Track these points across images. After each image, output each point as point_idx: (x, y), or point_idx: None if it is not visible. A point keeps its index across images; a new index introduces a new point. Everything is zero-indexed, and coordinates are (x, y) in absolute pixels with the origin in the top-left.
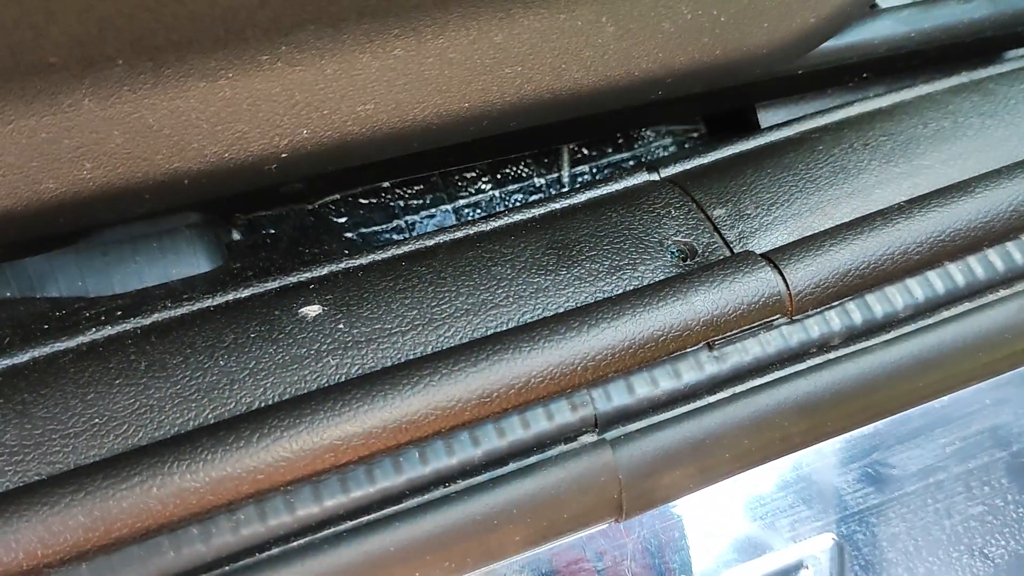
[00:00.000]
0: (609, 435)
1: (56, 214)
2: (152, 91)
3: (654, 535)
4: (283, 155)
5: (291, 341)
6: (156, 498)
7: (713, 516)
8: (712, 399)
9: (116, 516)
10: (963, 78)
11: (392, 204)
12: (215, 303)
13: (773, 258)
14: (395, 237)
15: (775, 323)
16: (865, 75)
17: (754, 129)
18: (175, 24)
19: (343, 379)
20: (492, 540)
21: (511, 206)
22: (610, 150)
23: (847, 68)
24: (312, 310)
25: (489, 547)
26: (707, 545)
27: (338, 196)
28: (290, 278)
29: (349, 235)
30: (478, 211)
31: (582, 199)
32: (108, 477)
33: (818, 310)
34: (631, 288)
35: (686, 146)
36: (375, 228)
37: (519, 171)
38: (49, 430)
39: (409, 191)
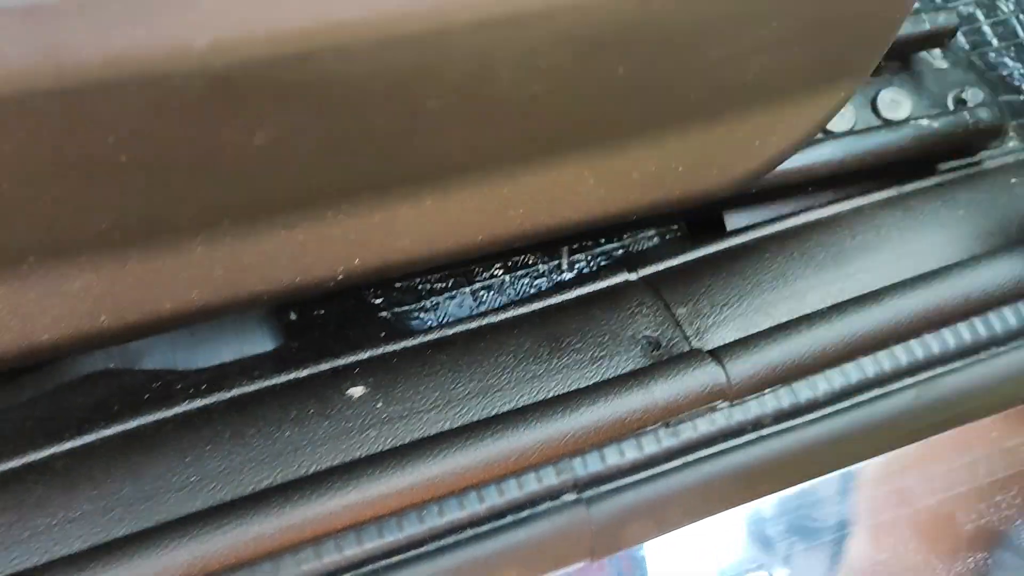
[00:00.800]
0: (585, 495)
1: (169, 323)
2: (246, 239)
3: (619, 571)
4: (340, 276)
5: (340, 416)
6: (241, 542)
7: (667, 557)
8: (668, 466)
9: (212, 555)
10: (893, 191)
11: (419, 288)
12: (280, 381)
13: (718, 355)
14: (422, 315)
15: (718, 407)
16: (811, 188)
17: (722, 230)
18: (269, 197)
19: (381, 449)
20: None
21: (521, 294)
22: (603, 241)
23: (794, 186)
24: (357, 391)
25: None
26: None
27: None
28: (339, 360)
29: (384, 314)
30: (491, 292)
31: (572, 296)
32: (206, 526)
33: (753, 396)
34: (607, 376)
35: (667, 237)
36: (405, 308)
37: (526, 259)
38: (157, 486)
39: (434, 277)
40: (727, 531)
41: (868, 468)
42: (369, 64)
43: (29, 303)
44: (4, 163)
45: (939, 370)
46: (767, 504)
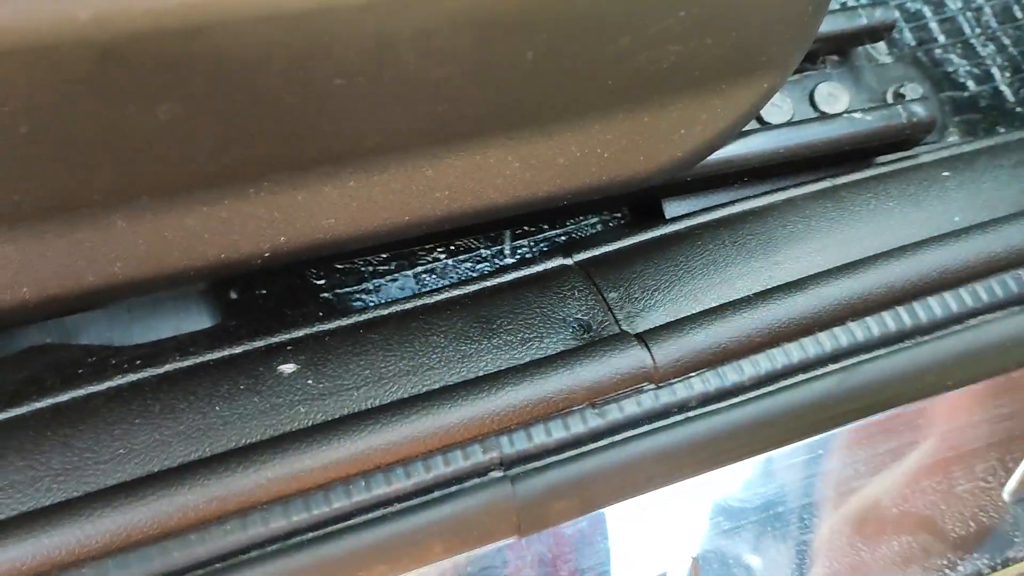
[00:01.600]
0: (511, 472)
1: (94, 298)
2: (167, 214)
3: (547, 549)
4: (266, 254)
5: (271, 392)
6: (165, 512)
7: (591, 538)
8: (593, 446)
9: (136, 524)
10: (825, 183)
11: (362, 269)
12: (214, 357)
13: (645, 338)
14: (364, 297)
15: (644, 389)
16: (746, 178)
17: (661, 218)
18: (186, 174)
19: (309, 424)
20: (418, 550)
21: (463, 278)
22: (546, 227)
23: (729, 175)
24: (288, 368)
25: (416, 555)
26: (585, 561)
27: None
28: (273, 338)
29: (326, 295)
30: (434, 276)
31: (507, 279)
32: (130, 496)
33: (679, 379)
34: (536, 358)
35: (610, 224)
36: (348, 289)
37: (469, 244)
38: (86, 458)
39: (376, 259)
40: (649, 510)
41: (796, 450)
42: (258, 40)
43: None
44: None
45: (863, 357)
46: (691, 484)
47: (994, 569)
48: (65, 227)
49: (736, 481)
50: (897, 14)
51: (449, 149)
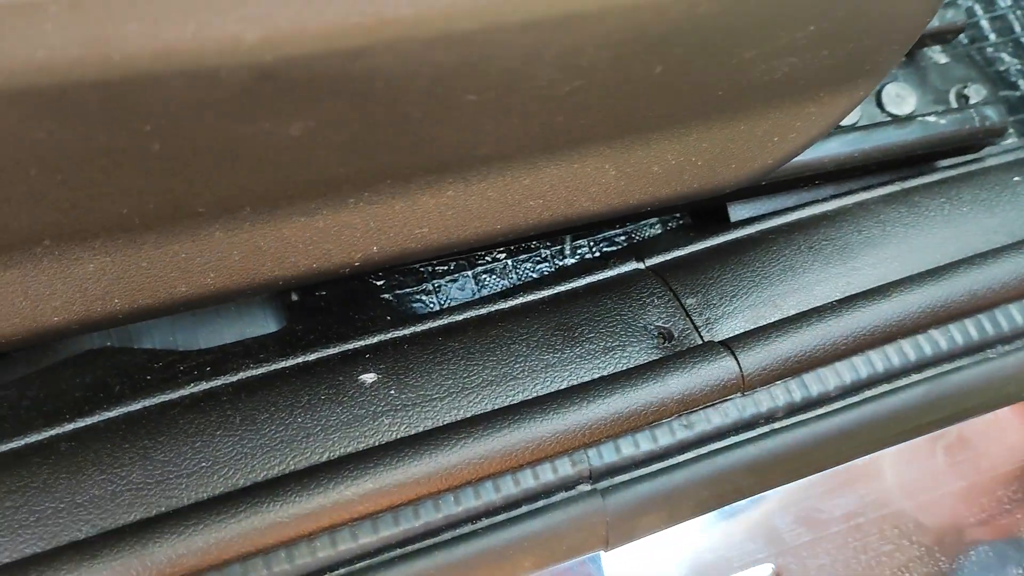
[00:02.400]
0: (600, 485)
1: (182, 306)
2: (266, 225)
3: (632, 560)
4: (356, 263)
5: (353, 403)
6: (256, 529)
7: (677, 548)
8: (681, 458)
9: (225, 542)
10: (895, 187)
11: (422, 269)
12: (289, 365)
13: (731, 346)
14: (424, 298)
15: (731, 399)
16: (817, 181)
17: (726, 222)
18: (295, 185)
19: (395, 437)
20: (507, 565)
21: (523, 279)
22: (605, 227)
23: (802, 178)
24: (369, 377)
25: (506, 570)
26: (671, 571)
27: None
28: (348, 345)
29: (386, 296)
30: (494, 276)
31: (582, 284)
32: (220, 512)
33: (765, 388)
34: (621, 368)
35: (669, 226)
36: (407, 290)
37: (529, 244)
38: (167, 471)
39: (435, 260)
40: (734, 522)
41: (876, 460)
42: (417, 60)
43: (40, 285)
44: (35, 150)
45: (946, 367)
46: (775, 495)
47: None
48: (163, 238)
49: (816, 492)
50: (965, 16)
51: (550, 158)
